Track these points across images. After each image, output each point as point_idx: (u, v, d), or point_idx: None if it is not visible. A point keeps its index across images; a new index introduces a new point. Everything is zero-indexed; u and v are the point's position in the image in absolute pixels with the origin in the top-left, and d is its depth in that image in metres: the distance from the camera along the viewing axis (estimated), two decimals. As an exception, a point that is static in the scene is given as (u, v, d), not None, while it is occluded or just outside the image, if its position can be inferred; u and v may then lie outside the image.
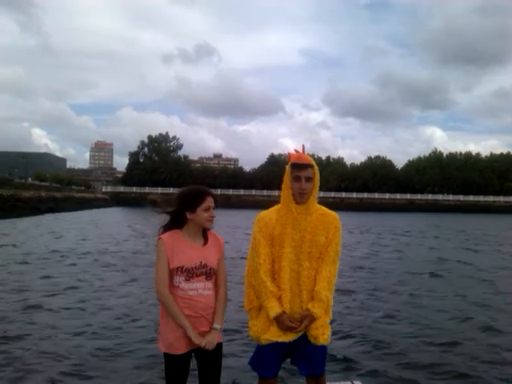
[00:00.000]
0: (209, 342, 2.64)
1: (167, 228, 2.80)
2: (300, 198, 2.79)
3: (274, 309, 2.72)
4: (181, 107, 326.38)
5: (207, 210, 2.72)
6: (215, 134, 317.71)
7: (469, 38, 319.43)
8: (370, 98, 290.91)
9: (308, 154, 2.86)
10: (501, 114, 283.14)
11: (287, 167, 2.83)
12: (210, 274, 2.76)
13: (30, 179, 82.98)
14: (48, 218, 39.47)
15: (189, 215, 2.72)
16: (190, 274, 2.69)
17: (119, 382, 4.84)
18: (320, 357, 2.89)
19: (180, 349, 2.67)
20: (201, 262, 2.72)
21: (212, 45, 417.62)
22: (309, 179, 2.77)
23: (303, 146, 2.85)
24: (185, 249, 2.72)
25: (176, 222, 2.78)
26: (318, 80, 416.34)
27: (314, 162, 2.82)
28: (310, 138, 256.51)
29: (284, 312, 2.75)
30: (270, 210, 2.94)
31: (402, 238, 25.91)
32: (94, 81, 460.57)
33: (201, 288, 2.72)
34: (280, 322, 2.73)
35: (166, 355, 2.71)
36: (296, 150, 2.85)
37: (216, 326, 2.73)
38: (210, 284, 2.76)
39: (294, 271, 2.80)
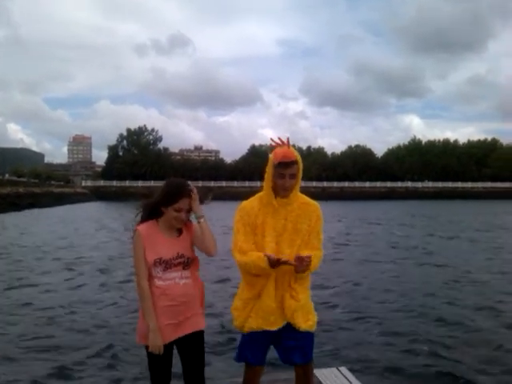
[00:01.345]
0: (160, 349, 2.63)
1: (143, 219, 2.78)
2: (283, 193, 2.79)
3: (261, 257, 2.64)
4: (158, 99, 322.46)
5: (178, 210, 2.68)
6: (195, 125, 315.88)
7: (441, 25, 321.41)
8: (347, 87, 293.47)
9: (293, 145, 2.81)
10: (477, 101, 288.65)
11: (270, 161, 2.77)
12: (187, 263, 2.76)
13: (7, 175, 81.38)
14: (26, 214, 38.87)
15: (163, 209, 2.72)
16: (168, 264, 2.69)
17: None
18: (307, 345, 2.90)
19: (162, 338, 2.66)
20: (178, 253, 2.72)
21: (187, 35, 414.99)
22: (293, 176, 2.75)
23: (288, 139, 2.77)
24: (161, 240, 2.71)
25: (152, 212, 2.76)
26: (295, 70, 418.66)
27: (299, 157, 2.76)
28: (290, 129, 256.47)
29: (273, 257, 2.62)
30: (252, 198, 2.93)
31: (368, 227, 26.46)
32: (68, 73, 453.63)
33: (178, 277, 2.71)
34: (272, 260, 2.60)
35: (147, 347, 2.68)
36: (280, 139, 2.79)
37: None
38: (187, 273, 2.76)
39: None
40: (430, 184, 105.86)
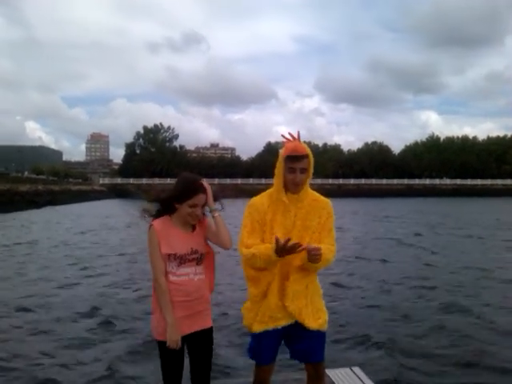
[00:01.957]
0: (178, 344, 2.63)
1: (158, 214, 2.77)
2: (294, 188, 2.73)
3: (268, 246, 2.60)
4: (172, 97, 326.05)
5: (192, 206, 2.66)
6: (210, 123, 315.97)
7: (457, 20, 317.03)
8: (362, 84, 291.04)
9: (304, 141, 2.77)
10: (495, 97, 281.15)
11: (280, 155, 2.74)
12: (200, 259, 2.76)
13: (26, 173, 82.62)
14: (46, 212, 39.39)
15: (176, 205, 2.70)
16: (182, 260, 2.69)
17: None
18: (318, 343, 2.84)
19: None
20: (192, 249, 2.72)
21: (200, 33, 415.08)
22: (303, 170, 2.70)
23: (298, 133, 2.74)
24: (176, 236, 2.70)
25: (166, 208, 2.74)
26: (310, 67, 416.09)
27: (309, 151, 2.71)
28: (305, 126, 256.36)
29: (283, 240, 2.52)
30: (262, 194, 2.88)
31: (373, 224, 26.36)
32: (84, 72, 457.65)
33: (192, 273, 2.72)
34: (281, 248, 2.50)
35: (160, 342, 2.70)
36: (291, 134, 2.76)
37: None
38: (200, 268, 2.77)
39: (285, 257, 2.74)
40: (448, 181, 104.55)
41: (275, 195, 2.78)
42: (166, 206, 2.74)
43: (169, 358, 2.69)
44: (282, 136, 2.78)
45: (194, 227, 2.79)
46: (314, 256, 2.54)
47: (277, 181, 2.77)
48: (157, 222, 2.70)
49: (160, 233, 2.66)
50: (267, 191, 2.89)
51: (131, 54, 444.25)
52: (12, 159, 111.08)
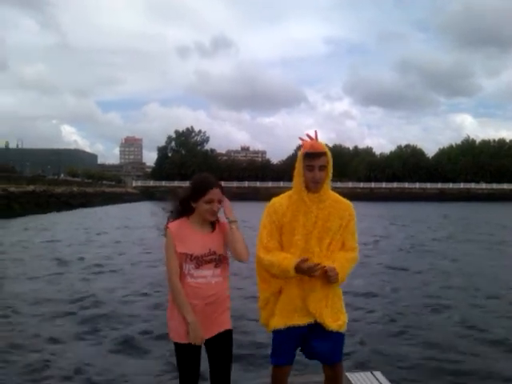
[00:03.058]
0: (203, 339, 2.63)
1: (175, 216, 2.77)
2: (314, 187, 2.72)
3: (291, 259, 2.62)
4: (203, 101, 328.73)
5: (209, 202, 2.65)
6: (240, 126, 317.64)
7: (490, 20, 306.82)
8: (393, 86, 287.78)
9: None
10: None
11: (299, 155, 2.75)
12: (219, 260, 2.72)
13: (62, 175, 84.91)
14: (79, 213, 40.33)
15: (193, 204, 2.69)
16: (200, 261, 2.66)
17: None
18: (336, 345, 2.81)
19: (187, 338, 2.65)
20: (210, 250, 2.69)
21: (230, 37, 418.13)
22: (322, 168, 2.69)
23: (316, 133, 2.74)
24: (193, 237, 2.68)
25: (183, 209, 2.74)
26: (340, 69, 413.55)
27: (327, 149, 2.73)
28: (336, 129, 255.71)
29: (302, 259, 2.61)
30: (281, 195, 2.88)
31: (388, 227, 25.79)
32: (117, 77, 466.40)
33: (209, 275, 2.68)
34: (302, 267, 2.59)
35: (177, 344, 2.69)
36: (308, 135, 2.76)
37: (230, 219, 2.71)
38: (218, 271, 2.72)
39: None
40: (484, 186, 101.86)
41: (295, 196, 2.77)
42: (183, 206, 2.74)
43: (186, 360, 2.68)
44: (300, 138, 2.78)
45: (213, 228, 2.77)
46: (330, 277, 2.62)
47: (297, 180, 2.76)
48: (172, 224, 2.70)
49: (176, 234, 2.66)
50: (287, 192, 2.89)
51: (163, 59, 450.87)
52: (49, 162, 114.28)
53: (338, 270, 2.63)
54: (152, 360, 5.41)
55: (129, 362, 5.39)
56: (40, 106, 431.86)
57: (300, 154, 2.74)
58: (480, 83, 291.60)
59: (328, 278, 2.63)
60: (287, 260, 2.62)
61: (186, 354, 2.67)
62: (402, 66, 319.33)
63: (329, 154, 2.72)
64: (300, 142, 2.76)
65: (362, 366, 4.64)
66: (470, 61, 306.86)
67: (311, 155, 2.67)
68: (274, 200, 2.86)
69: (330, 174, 2.75)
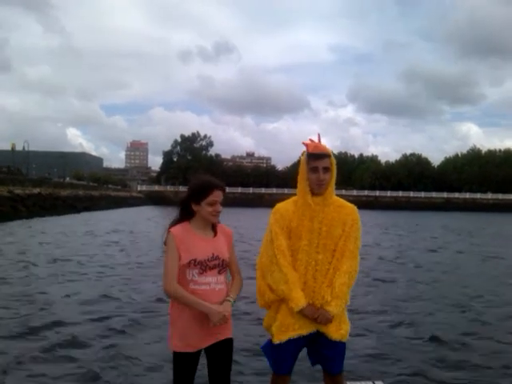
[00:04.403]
0: (225, 317, 2.57)
1: (176, 221, 2.73)
2: (318, 189, 2.71)
3: (301, 300, 2.65)
4: (207, 106, 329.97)
5: (212, 204, 2.62)
6: (243, 132, 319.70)
7: (493, 29, 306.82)
8: (397, 94, 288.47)
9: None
10: None
11: (303, 158, 2.75)
12: (222, 266, 2.68)
13: (68, 178, 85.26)
14: (85, 217, 40.39)
15: (194, 207, 2.66)
16: (203, 267, 2.61)
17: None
18: (337, 354, 2.79)
19: (192, 346, 2.60)
20: (213, 254, 2.65)
21: (232, 42, 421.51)
22: (326, 169, 2.69)
23: (319, 135, 2.76)
24: (196, 241, 2.64)
25: (184, 213, 2.71)
26: (345, 76, 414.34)
27: (330, 152, 2.74)
28: (340, 136, 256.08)
29: (309, 304, 2.67)
30: (286, 201, 2.88)
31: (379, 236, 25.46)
32: (121, 81, 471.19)
33: (213, 282, 2.64)
34: (305, 313, 2.66)
35: (176, 354, 2.63)
36: (311, 140, 2.75)
37: (229, 298, 2.67)
38: (222, 278, 2.69)
39: (310, 264, 2.73)
40: (490, 195, 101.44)
41: (301, 200, 2.77)
42: (184, 209, 2.71)
43: (183, 369, 2.62)
44: (303, 143, 2.77)
45: (215, 233, 2.74)
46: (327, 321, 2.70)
47: (301, 184, 2.76)
48: (175, 228, 2.65)
49: (179, 239, 2.60)
50: (292, 198, 2.88)
51: (167, 63, 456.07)
52: (55, 165, 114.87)
53: (334, 309, 2.65)
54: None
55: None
56: (45, 108, 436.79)
57: (303, 156, 2.74)
58: (484, 92, 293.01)
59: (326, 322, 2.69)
60: (298, 299, 2.66)
61: (186, 364, 2.62)
62: (407, 74, 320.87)
63: (332, 157, 2.73)
64: (304, 148, 2.75)
65: (363, 376, 4.59)
66: (474, 70, 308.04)
67: (315, 156, 2.68)
68: (279, 205, 2.85)
69: (334, 177, 2.75)
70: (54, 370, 4.96)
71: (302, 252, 2.71)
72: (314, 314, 2.65)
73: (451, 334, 6.59)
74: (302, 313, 2.66)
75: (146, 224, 32.41)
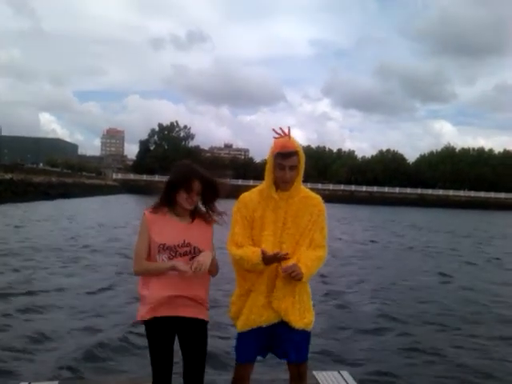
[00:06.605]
0: (199, 262, 2.50)
1: (155, 205, 2.69)
2: (283, 186, 2.71)
3: (257, 251, 2.59)
4: (182, 95, 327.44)
5: (188, 191, 2.60)
6: (219, 122, 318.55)
7: (464, 28, 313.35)
8: (372, 90, 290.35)
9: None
10: (507, 109, 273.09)
11: (270, 152, 2.70)
12: (194, 253, 2.62)
13: (41, 164, 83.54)
14: (58, 204, 39.73)
15: (172, 193, 2.63)
16: (173, 252, 2.58)
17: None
18: (302, 343, 2.79)
19: (162, 312, 2.57)
20: (184, 241, 2.61)
21: (206, 32, 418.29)
22: (293, 167, 2.66)
23: (289, 129, 2.70)
24: (168, 226, 2.62)
25: (165, 198, 2.67)
26: (322, 70, 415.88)
27: (299, 148, 2.68)
28: (317, 130, 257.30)
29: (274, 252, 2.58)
30: (252, 190, 2.85)
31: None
32: (96, 67, 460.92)
33: None
34: (268, 257, 2.56)
35: (148, 323, 2.60)
36: (282, 130, 2.70)
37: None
38: None
39: None
40: (462, 193, 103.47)
41: (266, 191, 2.75)
42: (164, 196, 2.67)
43: (156, 338, 2.59)
44: (273, 130, 2.73)
45: (193, 219, 2.71)
46: (294, 276, 2.54)
47: (267, 177, 2.74)
48: (149, 211, 2.64)
49: (151, 221, 2.60)
50: (258, 187, 2.85)
51: (142, 51, 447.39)
52: (28, 150, 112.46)
53: (302, 269, 2.56)
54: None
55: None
56: (17, 92, 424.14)
57: (271, 152, 2.70)
58: (455, 91, 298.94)
59: (290, 275, 2.56)
60: (255, 254, 2.59)
61: (158, 331, 2.60)
62: (382, 70, 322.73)
63: (301, 152, 2.69)
64: (275, 135, 2.71)
65: (329, 365, 4.65)
66: (446, 68, 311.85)
67: (282, 155, 2.64)
68: (244, 195, 2.83)
69: (301, 173, 2.73)
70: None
71: (265, 242, 2.69)
72: (275, 252, 2.55)
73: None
74: (266, 260, 2.56)
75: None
